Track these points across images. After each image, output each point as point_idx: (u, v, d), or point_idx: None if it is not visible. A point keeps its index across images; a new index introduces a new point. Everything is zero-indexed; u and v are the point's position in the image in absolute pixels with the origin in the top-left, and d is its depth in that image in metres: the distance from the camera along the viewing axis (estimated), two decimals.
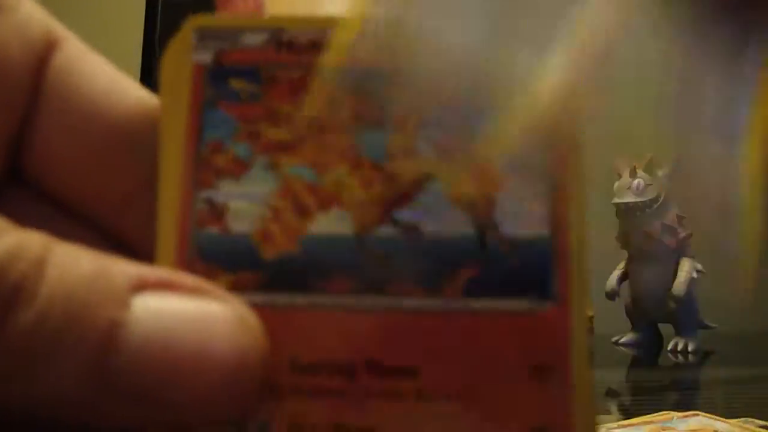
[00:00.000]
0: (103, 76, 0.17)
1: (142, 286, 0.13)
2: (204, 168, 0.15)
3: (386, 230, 0.15)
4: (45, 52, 0.16)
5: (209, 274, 0.15)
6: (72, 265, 0.13)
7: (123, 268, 0.13)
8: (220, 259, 0.15)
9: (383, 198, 0.15)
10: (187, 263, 0.15)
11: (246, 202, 0.15)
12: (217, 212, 0.15)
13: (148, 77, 1.31)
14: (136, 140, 0.16)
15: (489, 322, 0.14)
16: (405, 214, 0.15)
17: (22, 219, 0.16)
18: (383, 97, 0.15)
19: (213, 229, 0.15)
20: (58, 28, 0.17)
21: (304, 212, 0.15)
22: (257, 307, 0.14)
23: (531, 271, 0.14)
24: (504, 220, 0.15)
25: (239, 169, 0.15)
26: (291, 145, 0.15)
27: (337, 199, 0.15)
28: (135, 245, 0.17)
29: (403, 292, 0.14)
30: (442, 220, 0.15)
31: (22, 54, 0.16)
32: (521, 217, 0.15)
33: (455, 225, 0.15)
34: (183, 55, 0.16)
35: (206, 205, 0.15)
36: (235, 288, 0.14)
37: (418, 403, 0.14)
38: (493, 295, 0.14)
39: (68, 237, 0.16)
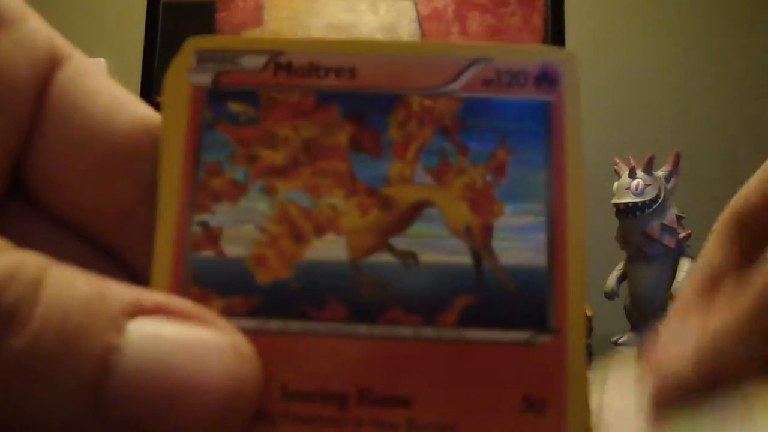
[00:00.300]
0: (106, 93, 0.17)
1: (137, 311, 0.13)
2: (200, 191, 0.15)
3: (382, 257, 0.15)
4: (49, 68, 0.16)
5: (203, 299, 0.14)
6: (68, 287, 0.13)
7: (119, 292, 0.13)
8: (214, 284, 0.15)
9: (379, 224, 0.15)
10: (181, 287, 0.15)
11: (241, 227, 0.15)
12: (213, 236, 0.15)
13: (149, 77, 1.31)
14: (136, 157, 0.16)
15: (484, 352, 0.14)
16: (401, 241, 0.15)
17: (23, 233, 0.17)
18: (382, 123, 0.15)
19: (208, 253, 0.15)
20: (63, 44, 0.17)
21: (299, 238, 0.15)
22: (249, 333, 0.14)
23: (528, 302, 0.14)
24: (501, 250, 0.15)
25: (236, 192, 0.15)
26: (287, 169, 0.15)
27: (333, 225, 0.15)
28: (133, 261, 0.17)
29: (398, 321, 0.14)
30: (438, 248, 0.15)
31: (27, 70, 0.16)
32: (519, 247, 0.14)
33: (452, 253, 0.15)
34: (182, 76, 0.16)
35: (202, 229, 0.15)
36: (228, 313, 0.14)
37: None
38: (488, 325, 0.14)
39: (68, 252, 0.16)
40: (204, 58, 0.16)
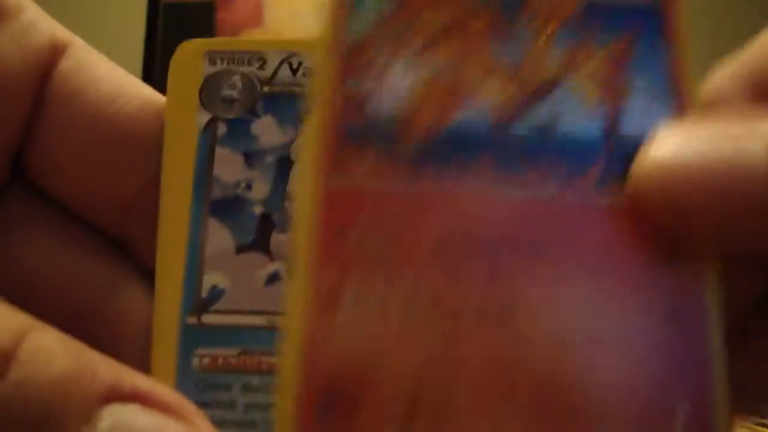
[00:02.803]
0: (108, 80, 0.17)
1: (114, 396, 0.12)
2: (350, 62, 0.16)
3: (520, 128, 0.16)
4: (49, 59, 0.16)
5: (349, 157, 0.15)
6: (42, 363, 0.12)
7: (98, 371, 0.12)
8: (363, 142, 0.15)
9: (517, 99, 0.16)
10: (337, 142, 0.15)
11: (388, 94, 0.16)
12: (359, 103, 0.15)
13: (150, 77, 1.31)
14: (140, 144, 0.16)
15: (620, 214, 0.15)
16: (537, 117, 0.16)
17: (27, 221, 0.17)
18: (516, 11, 0.16)
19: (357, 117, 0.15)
20: (64, 34, 0.17)
21: (444, 108, 0.16)
22: (396, 194, 0.15)
23: None
24: (631, 123, 0.16)
25: (378, 70, 0.16)
26: (427, 49, 0.16)
27: (474, 99, 0.16)
28: (138, 247, 0.17)
29: (537, 182, 0.15)
30: (572, 124, 0.16)
31: (24, 63, 0.16)
32: (648, 126, 0.15)
33: (585, 130, 0.16)
34: None
35: (353, 93, 0.15)
36: (374, 175, 0.15)
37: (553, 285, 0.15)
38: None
39: (71, 238, 0.17)
40: None
